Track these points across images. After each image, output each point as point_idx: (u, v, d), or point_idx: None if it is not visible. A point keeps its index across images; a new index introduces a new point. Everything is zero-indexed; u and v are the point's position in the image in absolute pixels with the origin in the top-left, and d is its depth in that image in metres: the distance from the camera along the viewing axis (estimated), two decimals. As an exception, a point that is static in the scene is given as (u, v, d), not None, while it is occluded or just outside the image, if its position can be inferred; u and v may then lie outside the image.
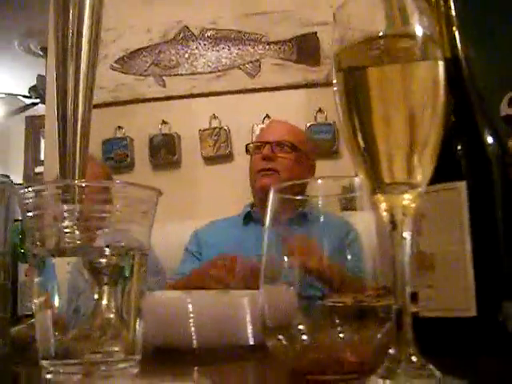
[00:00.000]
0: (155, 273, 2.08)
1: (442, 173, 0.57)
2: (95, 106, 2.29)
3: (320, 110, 2.50)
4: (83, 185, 0.52)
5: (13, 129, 5.57)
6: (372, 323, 0.46)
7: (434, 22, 0.41)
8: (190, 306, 0.70)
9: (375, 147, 0.38)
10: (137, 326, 0.49)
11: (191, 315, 0.69)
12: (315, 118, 2.53)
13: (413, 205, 0.39)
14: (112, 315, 0.44)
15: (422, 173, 0.38)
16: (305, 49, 2.59)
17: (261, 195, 1.77)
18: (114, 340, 0.44)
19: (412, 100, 0.38)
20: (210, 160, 2.61)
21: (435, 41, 0.40)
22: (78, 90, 0.62)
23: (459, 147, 0.58)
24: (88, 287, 0.44)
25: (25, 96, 4.89)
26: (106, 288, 0.45)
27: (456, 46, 0.63)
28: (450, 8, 0.64)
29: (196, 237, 1.97)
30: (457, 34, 0.63)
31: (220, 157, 2.59)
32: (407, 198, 0.38)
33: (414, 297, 0.61)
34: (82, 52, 0.62)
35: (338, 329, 0.47)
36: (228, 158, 2.59)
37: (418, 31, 0.39)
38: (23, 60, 4.64)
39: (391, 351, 0.38)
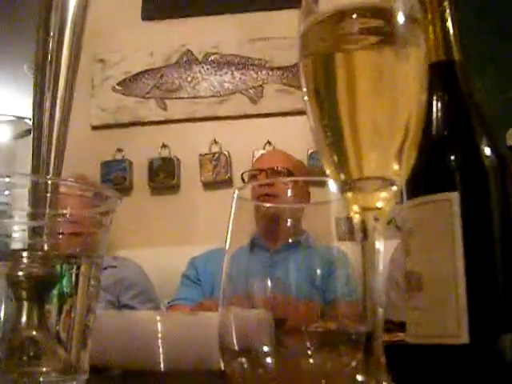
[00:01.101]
0: (148, 300, 2.02)
1: (433, 183, 0.52)
2: (96, 128, 2.26)
3: (322, 137, 2.46)
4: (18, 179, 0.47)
5: (19, 151, 5.56)
6: (345, 349, 0.40)
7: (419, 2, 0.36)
8: (158, 326, 0.64)
9: (343, 137, 0.32)
10: (83, 345, 0.43)
11: (159, 335, 0.63)
12: (317, 144, 2.48)
13: (387, 208, 0.33)
14: (35, 333, 0.38)
15: (397, 168, 0.33)
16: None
17: (262, 222, 1.72)
18: (41, 359, 0.38)
19: (385, 88, 0.33)
20: (209, 185, 2.56)
21: (418, 22, 0.35)
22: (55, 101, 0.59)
23: (452, 156, 0.52)
24: (7, 301, 0.38)
25: (30, 119, 4.89)
26: (25, 304, 0.38)
27: (451, 49, 0.58)
28: (445, 9, 0.59)
29: (193, 264, 1.92)
30: (452, 36, 0.58)
31: (219, 182, 2.54)
32: (381, 198, 0.33)
33: (403, 325, 0.55)
34: (61, 69, 0.59)
35: (308, 354, 0.41)
36: (227, 183, 2.54)
37: (398, 9, 0.34)
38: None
39: (360, 378, 0.32)
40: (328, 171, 0.34)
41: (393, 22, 0.33)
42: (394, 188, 0.33)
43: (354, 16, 0.33)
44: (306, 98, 0.35)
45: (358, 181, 0.32)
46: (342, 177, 0.33)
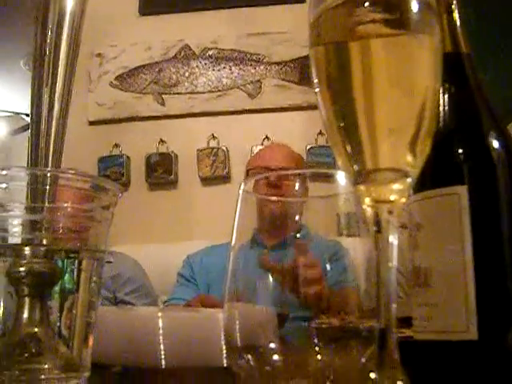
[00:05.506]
0: (145, 295, 2.01)
1: (441, 177, 0.51)
2: (93, 123, 2.23)
3: (321, 133, 2.45)
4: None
5: (15, 147, 5.54)
6: (355, 345, 0.39)
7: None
8: (160, 322, 0.63)
9: (358, 127, 0.31)
10: (84, 342, 0.42)
11: (160, 331, 0.62)
12: (316, 140, 2.48)
13: (402, 200, 0.32)
14: (36, 330, 0.37)
15: (412, 159, 0.32)
16: (307, 70, 2.54)
17: (260, 217, 1.71)
18: (43, 356, 0.37)
19: (400, 76, 0.32)
20: (207, 180, 2.55)
21: (432, 8, 0.34)
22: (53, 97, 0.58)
23: (461, 149, 0.52)
24: (7, 298, 0.37)
25: (27, 115, 4.87)
26: (27, 300, 0.37)
27: (458, 42, 0.57)
28: (452, 0, 0.58)
29: (188, 262, 1.91)
30: (458, 28, 0.57)
31: (217, 177, 2.53)
32: (395, 190, 0.32)
33: (408, 321, 0.55)
34: (59, 64, 0.58)
35: (316, 350, 0.40)
36: (225, 179, 2.54)
37: (411, -4, 0.33)
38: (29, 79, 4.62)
39: (373, 375, 0.31)
40: (340, 163, 0.33)
41: (407, 9, 0.32)
42: (409, 180, 0.32)
43: (368, 2, 0.32)
44: (317, 86, 0.34)
45: (371, 172, 0.31)
46: (356, 168, 0.32)
